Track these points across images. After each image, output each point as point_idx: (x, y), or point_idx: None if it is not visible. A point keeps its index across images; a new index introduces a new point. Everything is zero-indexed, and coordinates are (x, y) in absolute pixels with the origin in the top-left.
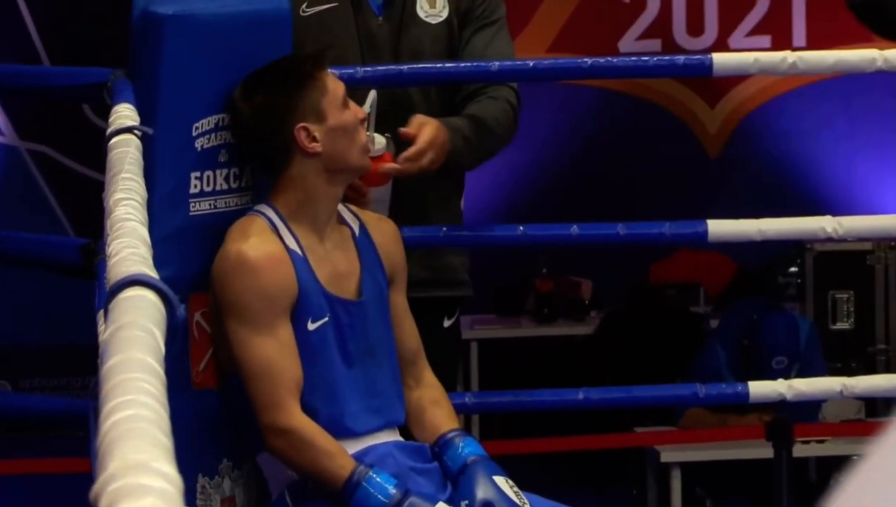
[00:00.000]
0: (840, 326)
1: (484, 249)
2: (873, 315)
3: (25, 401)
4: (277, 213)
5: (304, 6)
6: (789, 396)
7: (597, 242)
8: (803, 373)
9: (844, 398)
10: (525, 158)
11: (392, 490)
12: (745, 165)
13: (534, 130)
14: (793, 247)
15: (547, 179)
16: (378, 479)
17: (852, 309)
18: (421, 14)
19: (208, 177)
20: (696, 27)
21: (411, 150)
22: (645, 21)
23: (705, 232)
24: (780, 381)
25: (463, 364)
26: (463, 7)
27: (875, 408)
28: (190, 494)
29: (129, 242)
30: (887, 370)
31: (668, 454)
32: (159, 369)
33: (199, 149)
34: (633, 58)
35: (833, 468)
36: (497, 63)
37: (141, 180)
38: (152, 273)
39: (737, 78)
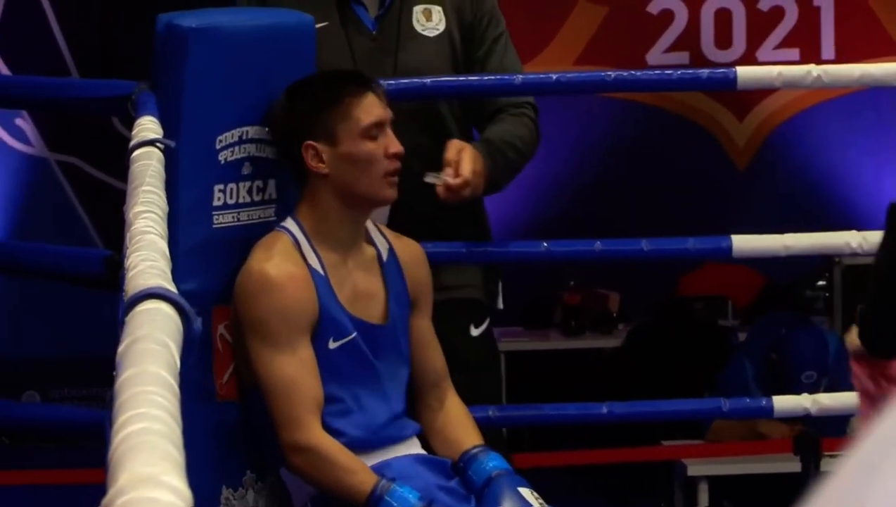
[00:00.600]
0: None
1: (508, 264)
2: None
3: (54, 412)
4: (302, 229)
5: None
6: (814, 410)
7: (620, 257)
8: (832, 388)
9: None
10: (551, 170)
11: (415, 503)
12: (773, 178)
13: (561, 142)
14: (821, 261)
15: (574, 191)
16: (401, 491)
17: None
18: (418, 27)
19: (232, 189)
20: (724, 40)
21: (455, 182)
22: (673, 34)
23: (730, 247)
24: (805, 395)
25: None
26: (467, 20)
27: None
28: (214, 505)
29: (148, 255)
30: None
31: (696, 468)
32: (173, 383)
33: (222, 161)
34: (658, 71)
35: None
36: (520, 77)
37: (162, 193)
38: (170, 286)
39: (765, 91)
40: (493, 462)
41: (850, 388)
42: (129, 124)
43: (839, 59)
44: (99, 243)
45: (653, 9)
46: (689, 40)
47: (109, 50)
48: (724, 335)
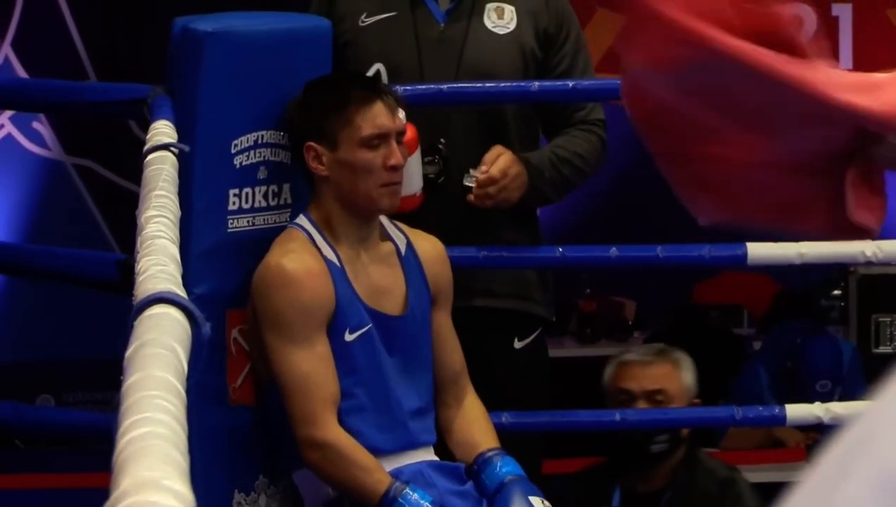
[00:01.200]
0: (883, 349)
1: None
2: None
3: (66, 416)
4: (314, 224)
5: (363, 16)
6: (826, 419)
7: (636, 264)
8: (846, 397)
9: None
10: None
11: None
12: None
13: None
14: (836, 270)
15: (588, 198)
16: (414, 495)
17: (895, 333)
18: (488, 24)
19: (247, 194)
20: None
21: (481, 177)
22: None
23: (744, 255)
24: (818, 404)
25: None
26: (543, 25)
27: None
28: None
29: (158, 260)
30: None
31: None
32: (179, 387)
33: (237, 166)
34: None
35: None
36: (536, 84)
37: (175, 198)
38: (179, 291)
39: None
40: (507, 468)
41: (864, 398)
42: (146, 128)
43: (856, 70)
44: (115, 247)
45: None
46: None
47: (127, 53)
48: (738, 343)
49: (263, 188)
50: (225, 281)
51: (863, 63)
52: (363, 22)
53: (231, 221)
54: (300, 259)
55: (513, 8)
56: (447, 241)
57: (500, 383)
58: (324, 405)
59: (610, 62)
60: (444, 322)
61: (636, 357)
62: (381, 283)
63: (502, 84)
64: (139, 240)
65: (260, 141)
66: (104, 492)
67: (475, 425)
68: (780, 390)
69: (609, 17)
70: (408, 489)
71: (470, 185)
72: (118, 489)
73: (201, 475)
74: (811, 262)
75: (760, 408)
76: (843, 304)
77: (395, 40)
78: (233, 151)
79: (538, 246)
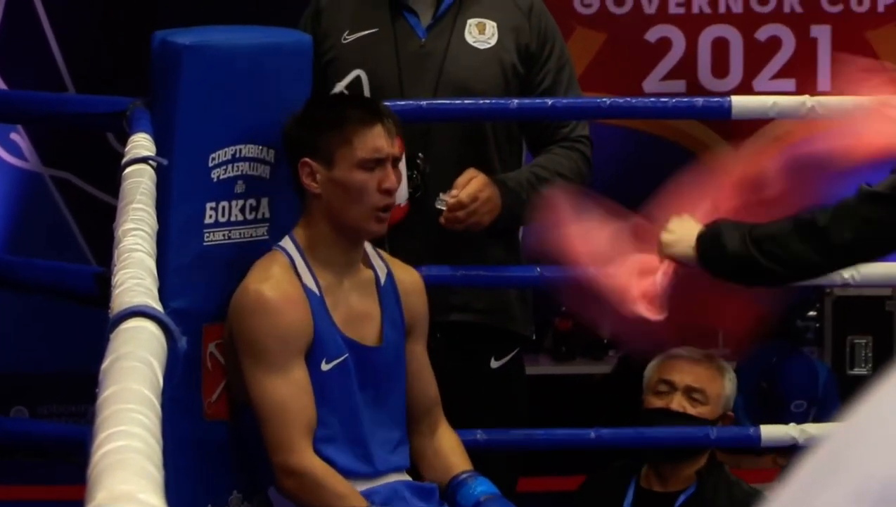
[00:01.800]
0: (858, 371)
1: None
2: (892, 361)
3: (41, 428)
4: (298, 248)
5: (345, 34)
6: (801, 440)
7: None
8: (820, 418)
9: None
10: None
11: None
12: None
13: None
14: (812, 291)
15: None
16: None
17: (870, 354)
18: (469, 39)
19: (224, 207)
20: (721, 69)
21: (450, 201)
22: (670, 62)
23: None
24: (793, 425)
25: None
26: (532, 47)
27: None
28: None
29: (135, 273)
30: None
31: None
32: (155, 401)
33: (215, 179)
34: (653, 99)
35: None
36: (515, 102)
37: (152, 211)
38: (156, 305)
39: (762, 121)
40: (482, 487)
41: (839, 419)
42: (124, 141)
43: (835, 91)
44: (91, 260)
45: (650, 37)
46: (686, 69)
47: (107, 66)
48: None
49: (241, 202)
50: (201, 295)
51: (842, 84)
52: (345, 39)
53: (207, 234)
54: (279, 286)
55: (494, 23)
56: (426, 256)
57: (475, 405)
58: (300, 432)
59: (587, 81)
60: (418, 354)
61: (685, 353)
62: (358, 311)
63: (481, 101)
64: (116, 253)
65: (238, 155)
66: (78, 504)
67: (449, 450)
68: (755, 410)
69: (586, 37)
70: None
71: (441, 208)
72: (93, 501)
73: (174, 489)
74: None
75: (736, 429)
76: (818, 325)
77: (376, 55)
78: (210, 164)
79: (517, 264)
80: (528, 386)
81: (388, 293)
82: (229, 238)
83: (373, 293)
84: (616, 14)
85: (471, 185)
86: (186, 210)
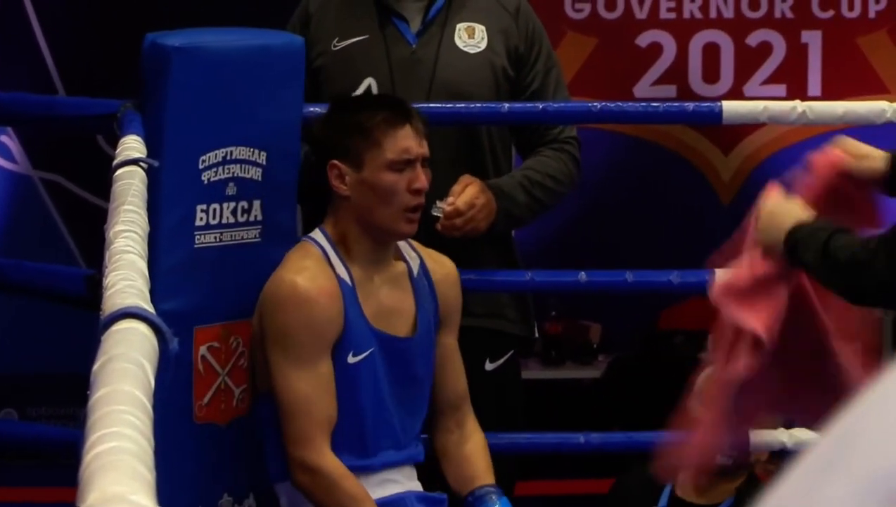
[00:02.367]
0: None
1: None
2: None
3: (31, 430)
4: (329, 240)
5: (335, 41)
6: (790, 444)
7: (604, 288)
8: None
9: None
10: None
11: None
12: None
13: None
14: None
15: (558, 222)
16: None
17: None
18: (459, 44)
19: (214, 210)
20: (711, 74)
21: (447, 209)
22: (661, 67)
23: (712, 281)
24: (781, 430)
25: None
26: (521, 49)
27: None
28: None
29: (126, 275)
30: None
31: None
32: (146, 403)
33: (205, 182)
34: (644, 103)
35: None
36: (507, 105)
37: (143, 213)
38: (147, 306)
39: (752, 126)
40: None
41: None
42: (114, 143)
43: (825, 96)
44: (81, 262)
45: (641, 42)
46: (676, 74)
47: (97, 68)
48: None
49: (232, 204)
50: (192, 297)
51: (831, 90)
52: (335, 46)
53: (198, 236)
54: (315, 278)
55: (483, 27)
56: None
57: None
58: (319, 429)
59: (577, 86)
60: (449, 344)
61: None
62: (390, 304)
63: (472, 105)
64: (107, 254)
65: (229, 157)
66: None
67: (475, 456)
68: None
69: (577, 41)
70: None
71: (437, 215)
72: (84, 503)
73: (164, 491)
74: None
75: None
76: None
77: (367, 62)
78: (201, 166)
79: (513, 268)
80: (523, 388)
81: (421, 284)
82: (220, 240)
83: (406, 286)
84: (607, 19)
85: (467, 192)
86: (177, 212)
